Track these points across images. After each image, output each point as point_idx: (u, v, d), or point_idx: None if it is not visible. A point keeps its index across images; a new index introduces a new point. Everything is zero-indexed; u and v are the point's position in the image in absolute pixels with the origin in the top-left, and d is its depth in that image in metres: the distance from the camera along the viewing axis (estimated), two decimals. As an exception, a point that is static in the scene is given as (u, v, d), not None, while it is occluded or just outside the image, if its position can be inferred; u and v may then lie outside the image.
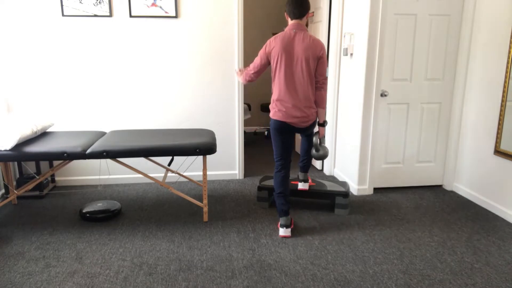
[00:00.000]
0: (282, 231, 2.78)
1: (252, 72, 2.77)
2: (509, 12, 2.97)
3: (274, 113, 2.73)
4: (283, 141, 2.78)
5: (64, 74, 3.62)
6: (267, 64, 2.74)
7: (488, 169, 3.25)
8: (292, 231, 2.85)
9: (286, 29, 2.69)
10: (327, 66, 2.69)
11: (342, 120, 3.88)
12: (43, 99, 3.64)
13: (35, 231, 2.83)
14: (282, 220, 2.78)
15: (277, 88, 2.69)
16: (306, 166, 3.16)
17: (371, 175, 3.57)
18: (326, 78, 2.73)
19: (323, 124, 2.83)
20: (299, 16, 2.66)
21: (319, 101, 2.75)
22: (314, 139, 2.87)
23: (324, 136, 2.85)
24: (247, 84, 2.89)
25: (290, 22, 2.69)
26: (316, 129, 2.81)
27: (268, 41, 2.72)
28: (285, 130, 2.73)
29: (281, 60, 2.63)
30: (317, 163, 4.43)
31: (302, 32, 2.65)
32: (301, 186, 3.19)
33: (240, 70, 2.91)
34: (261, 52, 2.73)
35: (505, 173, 3.07)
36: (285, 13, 2.74)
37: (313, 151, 2.88)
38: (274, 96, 2.74)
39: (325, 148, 2.88)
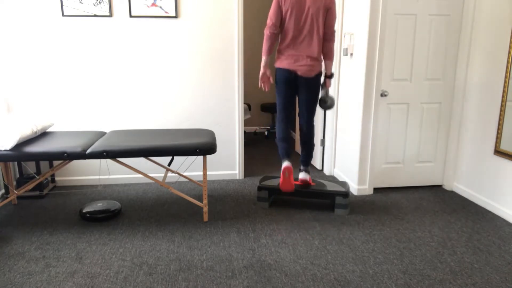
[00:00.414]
0: (286, 163, 2.92)
1: (272, 25, 2.81)
2: (509, 12, 2.97)
3: (281, 61, 2.82)
4: (288, 91, 2.89)
5: (64, 74, 3.62)
6: (281, 14, 2.80)
7: (488, 169, 3.25)
8: (291, 231, 2.85)
9: None
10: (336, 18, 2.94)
11: (342, 120, 3.88)
12: (43, 99, 3.64)
13: (35, 231, 2.83)
14: (285, 159, 2.95)
15: (286, 37, 2.79)
16: (308, 158, 3.19)
17: (371, 175, 3.57)
18: (334, 31, 2.83)
19: (330, 76, 2.95)
20: None
21: (327, 53, 2.86)
22: (321, 92, 3.03)
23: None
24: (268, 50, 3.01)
25: None
26: (322, 80, 3.03)
27: None
28: (291, 79, 2.83)
29: (292, 10, 2.72)
30: (317, 163, 4.43)
31: None
32: (302, 175, 3.17)
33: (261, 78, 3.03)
34: (273, 5, 2.82)
35: (505, 173, 3.07)
36: None
37: (321, 103, 3.06)
38: (281, 45, 2.83)
39: (331, 98, 3.04)
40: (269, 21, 2.84)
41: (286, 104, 2.94)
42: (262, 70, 2.96)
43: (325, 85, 3.02)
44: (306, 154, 3.15)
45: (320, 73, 2.93)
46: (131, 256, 2.50)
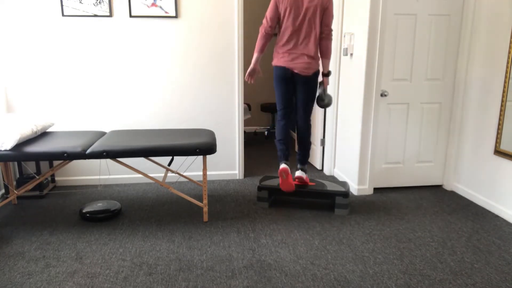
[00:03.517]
0: (283, 164, 2.97)
1: (268, 25, 2.85)
2: (509, 12, 2.97)
3: (278, 59, 2.87)
4: (286, 88, 2.93)
5: (64, 74, 3.62)
6: (278, 14, 2.83)
7: (488, 169, 3.25)
8: (291, 231, 2.85)
9: None
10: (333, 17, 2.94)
11: (342, 120, 3.88)
12: (43, 99, 3.64)
13: (35, 231, 2.83)
14: (282, 161, 2.99)
15: (283, 37, 2.84)
16: (305, 157, 3.21)
17: (371, 175, 3.57)
18: (331, 29, 2.87)
19: (327, 74, 2.99)
20: None
21: (325, 51, 2.90)
22: (318, 90, 3.05)
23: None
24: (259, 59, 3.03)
25: None
26: (320, 79, 3.06)
27: None
28: (288, 76, 2.87)
29: (290, 10, 2.76)
30: (317, 163, 4.43)
31: None
32: (298, 173, 3.20)
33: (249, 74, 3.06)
34: (270, 5, 2.85)
35: (505, 173, 3.07)
36: None
37: (319, 101, 3.07)
38: (279, 44, 2.87)
39: (329, 96, 3.07)
40: (265, 21, 2.88)
41: (285, 101, 2.98)
42: (252, 66, 2.99)
43: (323, 83, 3.05)
44: (303, 153, 3.18)
45: (318, 72, 2.95)
46: (131, 256, 2.50)
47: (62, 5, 3.46)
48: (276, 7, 2.83)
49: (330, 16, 2.84)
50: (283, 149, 3.03)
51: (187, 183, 3.92)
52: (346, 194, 3.12)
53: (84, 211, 3.02)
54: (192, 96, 3.83)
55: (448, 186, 3.73)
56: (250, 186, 3.81)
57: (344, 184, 3.29)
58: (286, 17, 2.81)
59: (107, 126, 3.79)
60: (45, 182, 3.58)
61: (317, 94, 3.06)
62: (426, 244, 2.67)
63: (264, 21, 2.90)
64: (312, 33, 2.82)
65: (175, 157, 3.93)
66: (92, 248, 2.59)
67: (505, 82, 3.01)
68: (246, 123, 6.57)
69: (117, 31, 3.60)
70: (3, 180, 3.50)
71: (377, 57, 3.31)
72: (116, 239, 2.72)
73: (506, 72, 2.99)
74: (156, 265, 2.39)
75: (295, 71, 2.86)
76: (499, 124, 3.09)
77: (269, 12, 2.86)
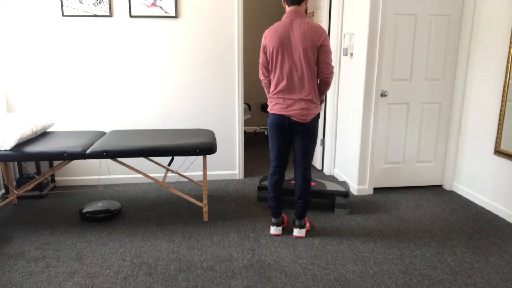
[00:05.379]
0: (273, 229, 2.79)
1: (261, 73, 2.63)
2: (509, 12, 2.97)
3: (272, 106, 2.59)
4: (280, 138, 2.63)
5: (64, 74, 3.62)
6: (266, 59, 2.57)
7: (488, 169, 3.25)
8: (291, 231, 2.85)
9: (283, 17, 2.53)
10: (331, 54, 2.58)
11: (342, 120, 3.88)
12: (43, 99, 3.64)
13: (35, 231, 2.83)
14: (273, 220, 2.80)
15: (275, 81, 2.55)
16: (303, 212, 2.75)
17: (371, 175, 3.57)
18: (331, 68, 2.50)
19: (320, 103, 2.67)
20: (297, 2, 2.47)
21: (323, 90, 2.59)
22: None
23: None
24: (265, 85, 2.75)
25: (288, 9, 2.52)
26: None
27: (264, 33, 2.59)
28: (284, 125, 2.57)
29: (278, 51, 2.48)
30: (317, 163, 4.43)
31: (300, 19, 2.45)
32: (297, 233, 2.76)
33: None
34: (260, 51, 2.61)
35: (505, 173, 3.07)
36: (282, 0, 2.58)
37: None
38: (273, 91, 2.58)
39: None
40: (259, 71, 2.66)
41: (280, 153, 2.66)
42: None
43: None
44: (301, 207, 2.73)
45: (318, 116, 2.61)
46: (131, 256, 2.50)
47: (62, 5, 3.46)
48: (264, 54, 2.56)
49: (327, 54, 2.47)
50: (275, 207, 2.74)
51: (187, 183, 3.92)
52: (346, 194, 3.12)
53: (84, 211, 3.02)
54: (192, 96, 3.83)
55: (448, 186, 3.73)
56: (250, 186, 3.81)
57: (344, 184, 3.29)
58: (274, 59, 2.50)
59: (107, 126, 3.79)
60: (45, 182, 3.58)
61: None
62: (426, 244, 2.67)
63: (259, 71, 2.63)
64: (308, 74, 2.48)
65: (175, 157, 3.93)
66: (92, 248, 2.59)
67: (505, 82, 3.01)
68: (246, 123, 6.57)
69: (117, 31, 3.60)
70: (3, 180, 3.50)
71: (377, 57, 3.31)
72: (116, 239, 2.72)
73: (506, 72, 2.99)
74: (156, 265, 2.39)
75: (292, 118, 2.53)
76: (499, 124, 3.09)
77: (260, 61, 2.61)
